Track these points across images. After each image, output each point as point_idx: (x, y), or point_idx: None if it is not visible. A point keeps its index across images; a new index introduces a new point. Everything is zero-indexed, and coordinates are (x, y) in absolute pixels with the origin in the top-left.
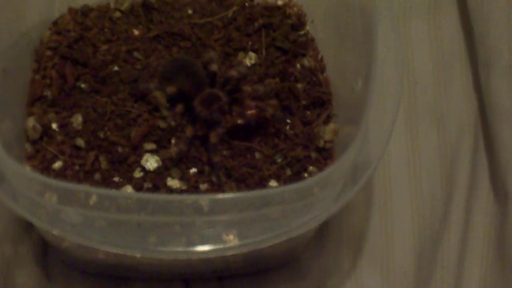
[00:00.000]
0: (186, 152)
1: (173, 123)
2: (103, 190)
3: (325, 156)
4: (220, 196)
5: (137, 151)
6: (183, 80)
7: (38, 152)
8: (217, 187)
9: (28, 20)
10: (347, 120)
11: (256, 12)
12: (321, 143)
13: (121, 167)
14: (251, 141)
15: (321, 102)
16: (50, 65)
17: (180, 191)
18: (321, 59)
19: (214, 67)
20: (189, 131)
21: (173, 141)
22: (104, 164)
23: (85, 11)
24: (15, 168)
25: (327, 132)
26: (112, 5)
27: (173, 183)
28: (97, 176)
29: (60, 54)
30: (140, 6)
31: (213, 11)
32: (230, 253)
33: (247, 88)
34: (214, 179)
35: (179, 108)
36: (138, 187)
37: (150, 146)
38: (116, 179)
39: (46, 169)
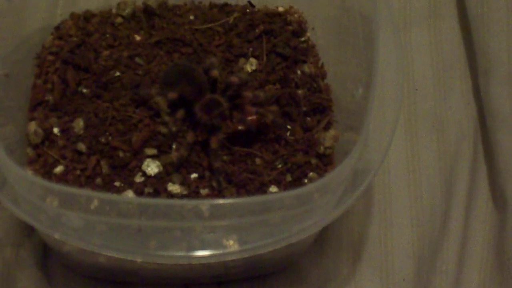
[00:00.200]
0: (186, 157)
1: (174, 129)
2: (104, 194)
3: (325, 162)
4: (221, 201)
5: (138, 156)
6: (184, 85)
7: (40, 156)
8: (218, 192)
9: (30, 25)
10: (348, 127)
11: (257, 19)
12: (321, 149)
13: (122, 172)
14: (251, 147)
15: (321, 109)
16: (52, 70)
17: (181, 196)
18: (322, 66)
19: (215, 73)
20: (190, 137)
21: (174, 146)
22: (105, 169)
23: (87, 17)
24: (16, 172)
25: (328, 138)
26: (114, 11)
27: (174, 188)
28: (98, 180)
29: (62, 59)
30: (142, 12)
31: (214, 17)
32: (230, 258)
33: (248, 94)
34: (214, 184)
35: (180, 113)
36: (139, 192)
37: (151, 151)
38: (117, 183)
39: (47, 173)
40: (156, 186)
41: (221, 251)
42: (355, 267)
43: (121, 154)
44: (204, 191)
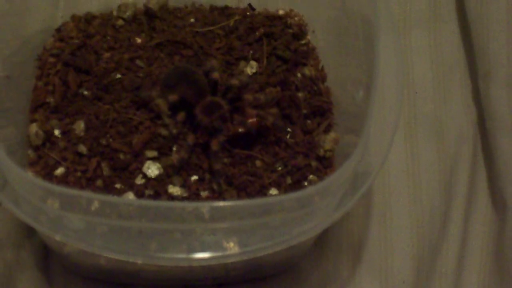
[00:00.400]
0: (187, 159)
1: (174, 131)
2: (105, 196)
3: (326, 164)
4: (221, 203)
5: (139, 158)
6: (184, 88)
7: (41, 158)
8: (218, 195)
9: (31, 27)
10: (348, 129)
11: (258, 22)
12: (321, 152)
13: (123, 174)
14: (251, 149)
15: (321, 111)
16: (53, 72)
17: (181, 198)
18: (322, 69)
19: (215, 75)
20: (190, 139)
21: (174, 148)
22: (106, 171)
23: (88, 19)
24: (18, 174)
25: (328, 141)
26: (115, 13)
27: (174, 190)
28: (99, 182)
29: (63, 61)
30: (143, 15)
31: (215, 20)
32: (230, 260)
33: (248, 96)
34: (215, 186)
35: (181, 116)
36: (139, 194)
37: (151, 153)
38: (117, 185)
39: (48, 175)
40: (157, 188)
41: (221, 253)
42: (355, 269)
43: (121, 156)
44: (204, 193)
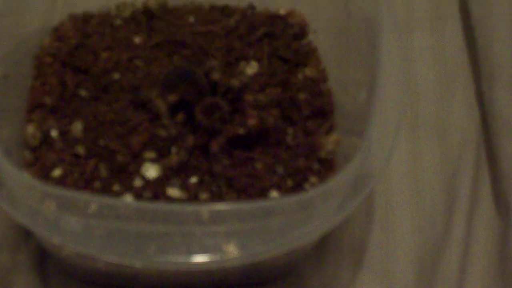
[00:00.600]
0: (186, 161)
1: (173, 132)
2: (103, 198)
3: (327, 166)
4: (221, 206)
5: (137, 159)
6: (184, 88)
7: (38, 159)
8: (218, 197)
9: (28, 26)
10: (349, 131)
11: (258, 21)
12: (322, 154)
13: (121, 176)
14: (252, 151)
15: (323, 113)
16: (50, 72)
17: (180, 201)
18: (324, 69)
19: (215, 76)
20: (189, 140)
21: (173, 150)
22: (104, 172)
23: (86, 18)
24: (14, 175)
25: (329, 142)
26: (113, 12)
27: (173, 192)
28: (96, 184)
29: (60, 61)
30: (142, 14)
31: (214, 20)
32: (230, 263)
33: (249, 97)
34: (214, 188)
35: (180, 116)
36: (138, 196)
37: (150, 154)
38: (115, 187)
39: (45, 176)
40: (155, 190)
41: (221, 257)
42: (356, 273)
43: (120, 157)
44: (204, 196)
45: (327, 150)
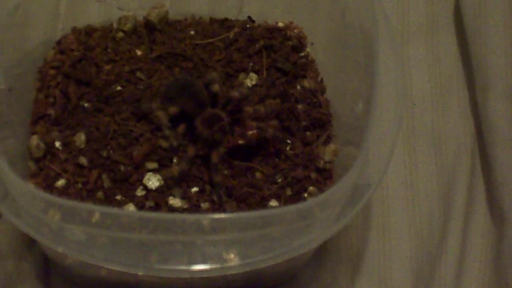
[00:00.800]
0: (187, 171)
1: (175, 143)
2: (106, 208)
3: (325, 176)
4: (221, 215)
5: (139, 170)
6: (185, 100)
7: (42, 170)
8: (218, 206)
9: (32, 40)
10: (347, 141)
11: (257, 34)
12: (321, 164)
13: (124, 186)
14: (251, 161)
15: (321, 123)
16: (53, 84)
17: (182, 210)
18: (321, 81)
19: (215, 87)
20: (190, 151)
21: (175, 160)
22: (106, 183)
23: (89, 31)
24: (19, 185)
25: (327, 152)
26: (115, 26)
27: (175, 202)
28: (99, 194)
29: (63, 73)
30: (143, 27)
31: (214, 32)
32: (231, 272)
33: (248, 108)
34: (215, 198)
35: (181, 128)
36: (140, 206)
37: (152, 165)
38: (118, 197)
39: (49, 186)
40: (157, 200)
41: (221, 265)
42: (354, 280)
43: (122, 168)
44: (204, 205)
45: (325, 160)
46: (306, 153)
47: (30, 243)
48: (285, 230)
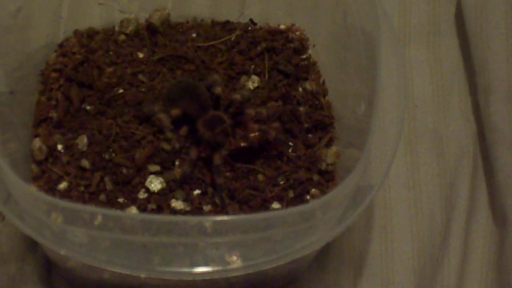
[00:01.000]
0: (190, 173)
1: (177, 145)
2: (108, 210)
3: (327, 178)
4: (224, 217)
5: (142, 172)
6: (187, 102)
7: (44, 172)
8: (221, 209)
9: (34, 43)
10: (349, 143)
11: (259, 36)
12: (323, 166)
13: (126, 188)
14: (254, 163)
15: (323, 125)
16: (55, 87)
17: (184, 212)
18: (323, 83)
19: (218, 90)
20: (193, 153)
21: (177, 162)
22: (109, 185)
23: (91, 34)
24: (21, 188)
25: (329, 155)
26: (117, 28)
27: (177, 204)
28: (102, 197)
29: (65, 76)
30: (145, 30)
31: (216, 35)
32: (233, 274)
33: (250, 111)
34: (217, 200)
35: (183, 130)
36: (142, 208)
37: (154, 167)
38: (120, 200)
39: (51, 189)
40: (159, 202)
41: (224, 267)
42: (356, 282)
43: (124, 170)
44: (207, 207)
45: (327, 162)
46: (308, 155)
47: (32, 246)
48: (287, 232)
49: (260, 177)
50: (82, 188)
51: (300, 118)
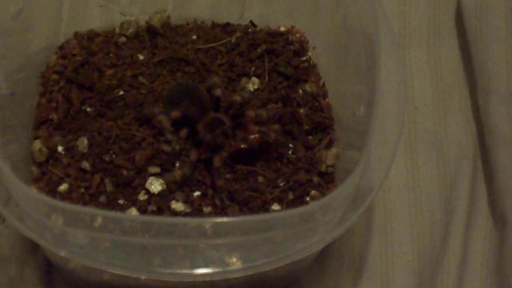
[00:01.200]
0: (190, 175)
1: (177, 147)
2: (108, 212)
3: (327, 180)
4: (224, 219)
5: (142, 174)
6: (187, 104)
7: (44, 174)
8: (221, 210)
9: (34, 45)
10: (349, 145)
11: (259, 38)
12: (323, 168)
13: (126, 190)
14: (254, 165)
15: (323, 127)
16: (56, 89)
17: (184, 214)
18: (323, 85)
19: (218, 91)
20: (193, 155)
21: (177, 164)
22: (109, 187)
23: (91, 36)
24: (22, 190)
25: (329, 156)
26: (117, 30)
27: (177, 206)
28: (102, 198)
29: (66, 78)
30: (145, 32)
31: (216, 37)
32: (233, 276)
33: (250, 113)
34: (217, 202)
35: (183, 132)
36: (142, 210)
37: (154, 169)
38: (121, 201)
39: (52, 191)
40: (160, 204)
41: (224, 269)
42: (356, 284)
43: (124, 172)
44: (207, 209)
45: (327, 164)
46: (308, 157)
47: (33, 248)
48: (287, 233)
49: (260, 179)
50: (82, 190)
51: (300, 120)
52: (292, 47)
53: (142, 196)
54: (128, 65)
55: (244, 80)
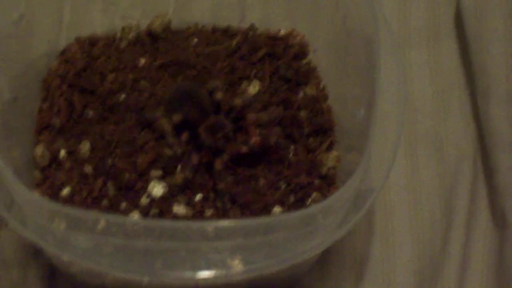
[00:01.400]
0: (191, 178)
1: (179, 151)
2: (111, 216)
3: (328, 182)
4: (225, 222)
5: (144, 178)
6: (188, 108)
7: (47, 178)
8: (222, 213)
9: (36, 50)
10: (349, 147)
11: (260, 42)
12: (324, 170)
13: (128, 194)
14: (255, 168)
15: (323, 130)
16: (58, 94)
17: (186, 217)
18: (324, 88)
19: (219, 95)
20: (194, 158)
21: (178, 168)
22: (111, 191)
23: (92, 41)
24: (24, 194)
25: (330, 159)
26: (118, 35)
27: (179, 209)
28: (104, 202)
29: (68, 83)
30: (146, 36)
31: (217, 41)
32: (235, 278)
33: (251, 116)
34: (219, 205)
35: (185, 135)
36: (144, 213)
37: (156, 173)
38: (123, 205)
39: (54, 195)
40: (162, 207)
41: (226, 271)
42: (357, 286)
43: (127, 176)
44: (209, 212)
45: (328, 166)
46: (309, 160)
47: (35, 252)
48: (289, 236)
49: (262, 181)
50: (85, 194)
51: (301, 122)
52: (292, 50)
53: (144, 200)
54: (130, 69)
55: (245, 83)
